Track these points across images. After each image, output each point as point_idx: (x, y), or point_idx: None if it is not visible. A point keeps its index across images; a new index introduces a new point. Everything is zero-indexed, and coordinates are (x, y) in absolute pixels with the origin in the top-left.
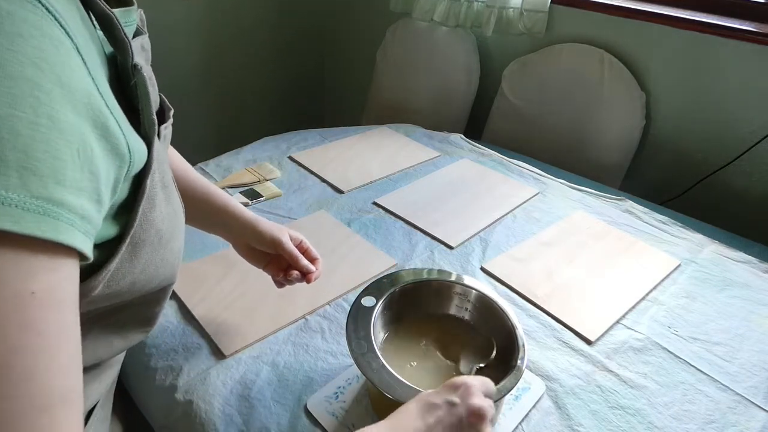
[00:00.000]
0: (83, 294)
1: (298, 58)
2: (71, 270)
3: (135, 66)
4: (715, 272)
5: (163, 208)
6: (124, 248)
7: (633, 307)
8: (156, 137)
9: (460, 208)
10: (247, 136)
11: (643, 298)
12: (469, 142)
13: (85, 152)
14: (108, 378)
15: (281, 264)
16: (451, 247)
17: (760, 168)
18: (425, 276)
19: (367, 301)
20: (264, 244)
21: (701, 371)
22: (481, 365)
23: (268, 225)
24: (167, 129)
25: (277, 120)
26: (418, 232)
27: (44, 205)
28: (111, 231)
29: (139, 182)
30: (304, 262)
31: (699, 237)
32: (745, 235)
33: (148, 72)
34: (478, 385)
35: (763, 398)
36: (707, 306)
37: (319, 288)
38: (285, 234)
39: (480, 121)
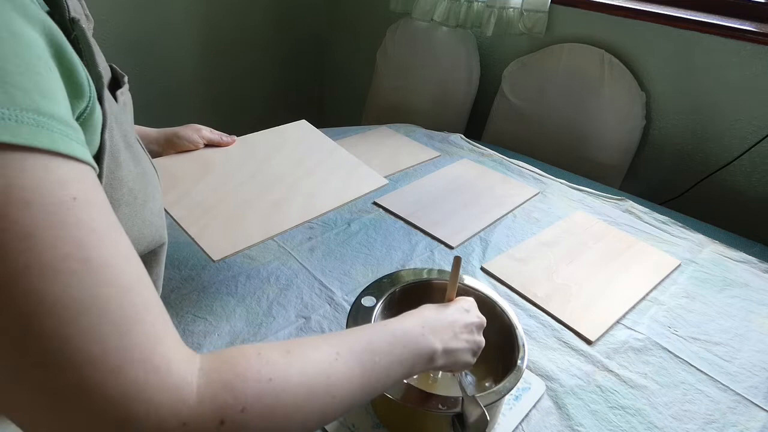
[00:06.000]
0: None
1: (299, 58)
2: (95, 180)
3: (72, 19)
4: (715, 272)
5: (131, 168)
6: None
7: (633, 307)
8: (109, 97)
9: (460, 208)
10: None
11: (643, 298)
12: (469, 142)
13: (53, 68)
14: None
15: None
16: (451, 247)
17: (760, 168)
18: (425, 276)
19: (367, 301)
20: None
21: (701, 371)
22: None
23: (163, 132)
24: (124, 95)
25: (277, 120)
26: (418, 232)
27: (36, 118)
28: None
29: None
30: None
31: (699, 237)
32: (745, 235)
33: (89, 30)
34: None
35: (763, 398)
36: (707, 306)
37: (310, 202)
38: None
39: (480, 121)
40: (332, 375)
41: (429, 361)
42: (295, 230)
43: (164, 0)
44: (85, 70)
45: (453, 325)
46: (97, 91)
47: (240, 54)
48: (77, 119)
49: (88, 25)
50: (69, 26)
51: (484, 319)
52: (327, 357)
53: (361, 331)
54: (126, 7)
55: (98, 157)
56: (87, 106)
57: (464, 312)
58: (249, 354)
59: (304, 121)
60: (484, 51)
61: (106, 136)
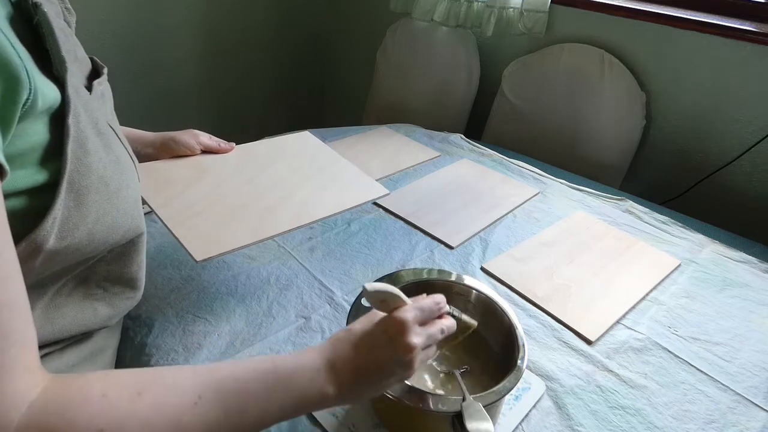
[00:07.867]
0: (38, 247)
1: (299, 59)
2: None
3: (35, 4)
4: (715, 272)
5: (102, 155)
6: (63, 193)
7: (633, 307)
8: (75, 84)
9: (460, 208)
10: (247, 137)
11: (643, 298)
12: (469, 142)
13: None
14: (101, 362)
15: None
16: (451, 247)
17: (760, 168)
18: (425, 276)
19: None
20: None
21: (701, 371)
22: (463, 369)
23: (162, 136)
24: (102, 85)
25: (277, 120)
26: (418, 232)
27: None
28: (39, 177)
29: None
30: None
31: (699, 237)
32: (745, 235)
33: (59, 23)
34: (411, 321)
35: (763, 398)
36: (707, 306)
37: (304, 208)
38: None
39: (480, 121)
40: (185, 424)
41: (319, 404)
42: (295, 230)
43: (164, 1)
44: (23, 61)
45: (362, 366)
46: (60, 77)
47: (240, 54)
48: (22, 108)
49: (70, 19)
50: (32, 11)
51: (416, 348)
52: (185, 401)
53: (241, 368)
54: (126, 8)
55: (60, 142)
56: (28, 98)
57: (385, 346)
58: (92, 394)
59: (307, 132)
60: (484, 51)
61: (70, 121)
